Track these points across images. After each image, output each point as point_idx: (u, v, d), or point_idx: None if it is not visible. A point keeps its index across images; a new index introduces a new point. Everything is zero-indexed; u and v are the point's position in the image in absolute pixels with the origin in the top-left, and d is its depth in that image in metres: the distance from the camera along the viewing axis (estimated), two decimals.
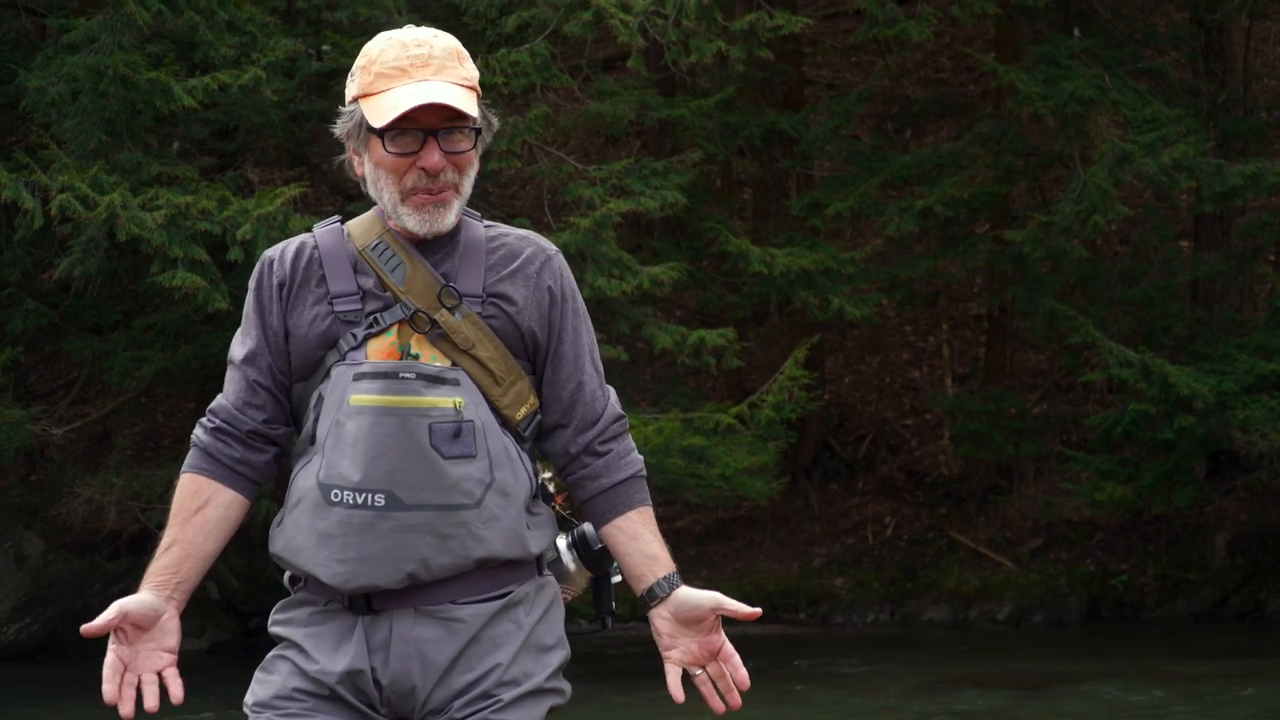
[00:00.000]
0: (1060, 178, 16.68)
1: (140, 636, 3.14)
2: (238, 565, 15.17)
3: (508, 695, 3.15)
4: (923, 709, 12.07)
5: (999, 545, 16.82)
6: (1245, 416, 14.22)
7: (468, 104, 3.13)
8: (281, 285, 3.21)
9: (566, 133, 17.22)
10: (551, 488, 3.29)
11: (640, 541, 3.23)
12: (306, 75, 13.20)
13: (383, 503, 3.10)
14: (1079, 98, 14.51)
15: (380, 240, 3.20)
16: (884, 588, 16.69)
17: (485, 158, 3.43)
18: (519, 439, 3.21)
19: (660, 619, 3.21)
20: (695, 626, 3.20)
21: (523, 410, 3.21)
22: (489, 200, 14.13)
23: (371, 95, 3.14)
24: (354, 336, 3.16)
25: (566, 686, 3.24)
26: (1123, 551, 16.51)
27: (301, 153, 14.34)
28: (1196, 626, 15.71)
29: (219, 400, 3.26)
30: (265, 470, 3.25)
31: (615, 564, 3.30)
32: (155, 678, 3.14)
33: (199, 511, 3.20)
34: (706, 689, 3.21)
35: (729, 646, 3.21)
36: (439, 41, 3.17)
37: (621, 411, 3.30)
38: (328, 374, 3.17)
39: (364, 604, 3.15)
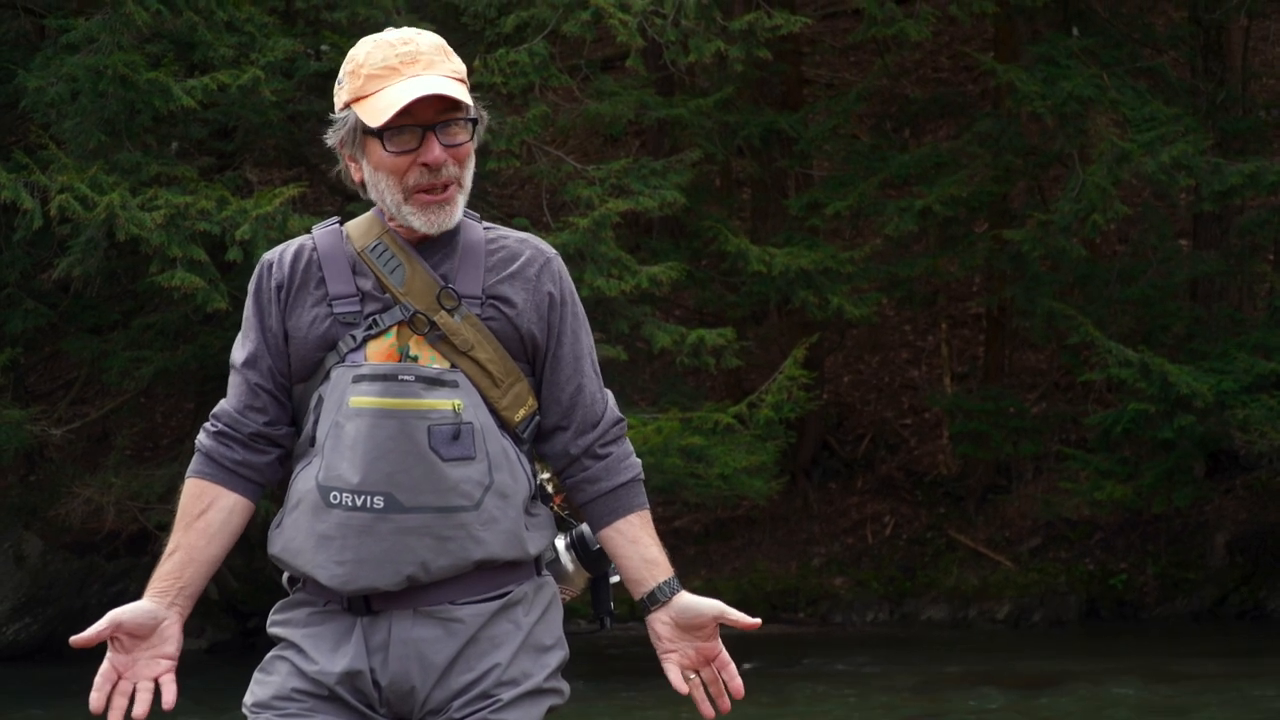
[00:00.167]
0: (1059, 177, 16.68)
1: (138, 645, 3.14)
2: (237, 565, 15.16)
3: (507, 695, 3.15)
4: (922, 708, 12.07)
5: (998, 544, 16.82)
6: (1245, 415, 14.21)
7: (463, 94, 3.13)
8: (280, 288, 3.21)
9: (565, 132, 17.23)
10: (550, 488, 3.30)
11: (640, 545, 3.23)
12: (305, 75, 13.20)
13: (382, 505, 3.10)
14: (1078, 97, 14.52)
15: (379, 241, 3.20)
16: (883, 587, 16.69)
17: (484, 157, 3.44)
18: (517, 441, 3.21)
19: (660, 624, 3.22)
20: (695, 633, 3.22)
21: (521, 412, 3.21)
22: (488, 200, 14.13)
23: (364, 98, 3.13)
24: (353, 338, 3.16)
25: (565, 686, 3.24)
26: (1122, 551, 16.51)
27: (300, 153, 14.34)
28: (1196, 626, 15.71)
29: (221, 405, 3.26)
30: (268, 472, 3.24)
31: (614, 565, 3.31)
32: (151, 684, 3.14)
33: (201, 516, 3.20)
34: (699, 693, 3.23)
35: (725, 654, 3.23)
36: (424, 38, 3.17)
37: (620, 414, 3.30)
38: (327, 376, 3.17)
39: (363, 605, 3.15)
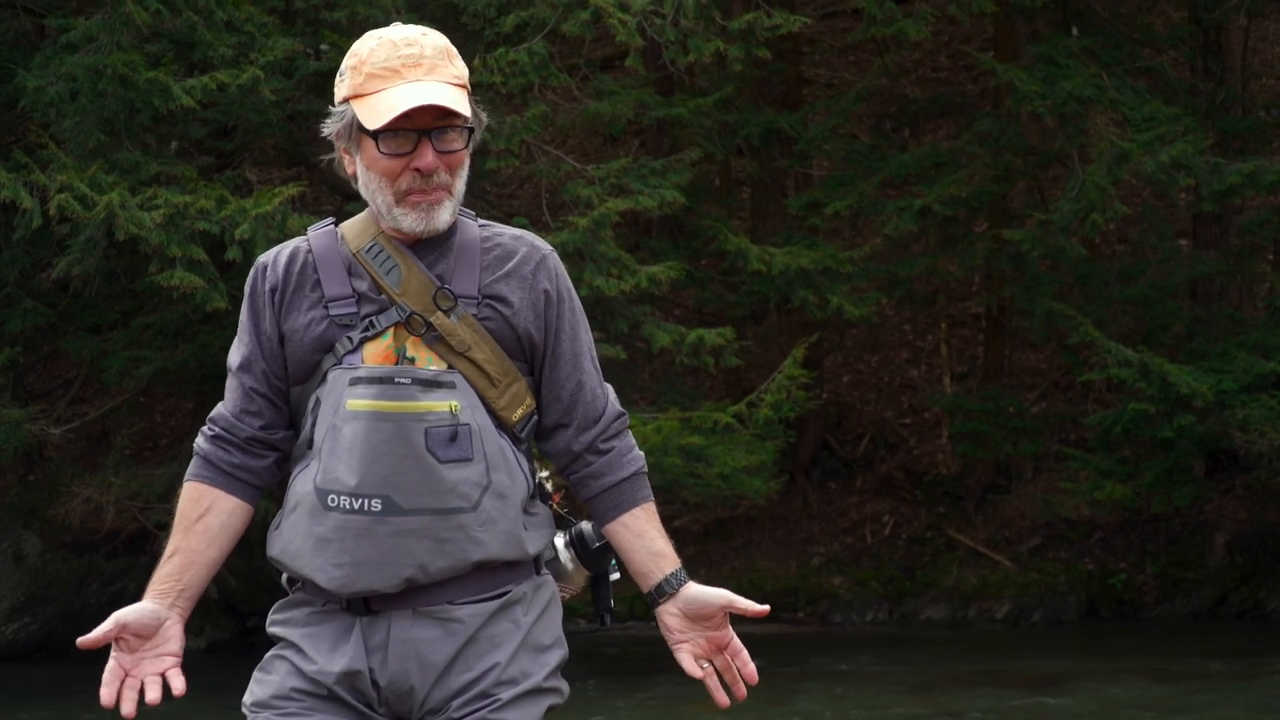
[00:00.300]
0: (1059, 176, 16.68)
1: (142, 644, 3.16)
2: (236, 565, 15.16)
3: (506, 695, 3.14)
4: (921, 708, 12.07)
5: (997, 544, 16.82)
6: (1244, 415, 14.21)
7: (461, 103, 3.12)
8: (274, 291, 3.21)
9: (565, 132, 17.22)
10: (549, 486, 3.30)
11: (646, 538, 3.24)
12: (305, 75, 13.20)
13: (379, 508, 3.10)
14: (1077, 96, 14.52)
15: (374, 242, 3.19)
16: (882, 586, 16.69)
17: (483, 156, 3.44)
18: (515, 440, 3.20)
19: (669, 615, 3.23)
20: (704, 623, 3.23)
21: (519, 411, 3.20)
22: (487, 199, 14.13)
23: (364, 96, 3.13)
24: (350, 340, 3.16)
25: (564, 686, 3.24)
26: (1121, 550, 16.51)
27: (300, 152, 14.33)
28: (1195, 625, 15.70)
29: (218, 408, 3.27)
30: (266, 475, 3.25)
31: (613, 562, 3.31)
32: (159, 679, 3.15)
33: (201, 519, 3.20)
34: (712, 681, 3.23)
35: (737, 641, 3.24)
36: (429, 40, 3.16)
37: (621, 409, 3.30)
38: (324, 378, 3.17)
39: (362, 605, 3.15)
